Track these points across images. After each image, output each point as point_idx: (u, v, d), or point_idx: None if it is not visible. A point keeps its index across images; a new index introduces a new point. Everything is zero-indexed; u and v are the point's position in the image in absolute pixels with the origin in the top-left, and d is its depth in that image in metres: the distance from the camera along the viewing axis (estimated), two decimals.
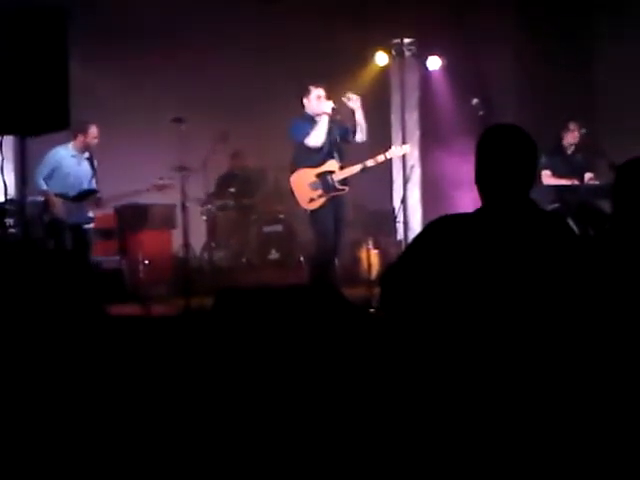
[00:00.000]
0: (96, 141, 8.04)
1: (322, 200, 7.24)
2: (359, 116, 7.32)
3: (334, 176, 7.29)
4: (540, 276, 2.59)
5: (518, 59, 11.13)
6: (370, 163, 7.43)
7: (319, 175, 7.27)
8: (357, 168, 7.40)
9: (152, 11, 9.91)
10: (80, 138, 7.98)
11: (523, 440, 2.49)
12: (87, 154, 8.10)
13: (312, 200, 7.25)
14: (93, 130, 7.99)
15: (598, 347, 2.67)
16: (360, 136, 7.33)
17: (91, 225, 8.14)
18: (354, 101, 7.32)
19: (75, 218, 7.92)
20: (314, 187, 7.26)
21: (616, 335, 2.75)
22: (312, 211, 7.31)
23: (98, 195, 8.11)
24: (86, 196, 8.02)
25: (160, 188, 8.32)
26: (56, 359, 4.59)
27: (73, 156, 8.04)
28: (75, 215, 7.93)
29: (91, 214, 8.14)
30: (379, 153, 7.55)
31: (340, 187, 7.30)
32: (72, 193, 7.96)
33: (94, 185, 8.07)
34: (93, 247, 8.22)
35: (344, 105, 7.36)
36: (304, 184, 7.27)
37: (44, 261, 5.36)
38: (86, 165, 8.08)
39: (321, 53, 10.15)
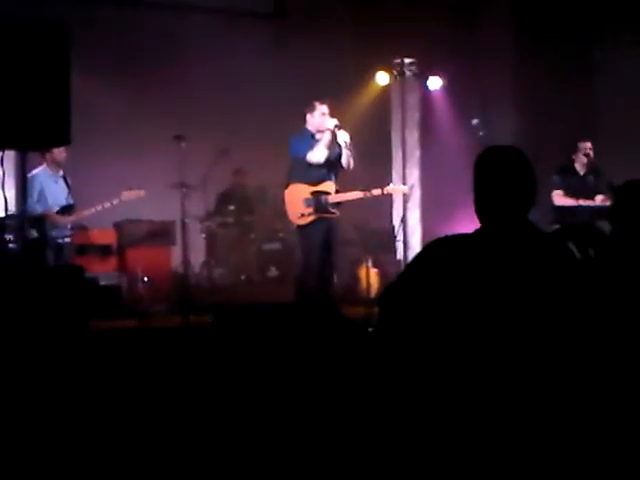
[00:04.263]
0: (64, 156, 8.17)
1: (311, 218, 7.24)
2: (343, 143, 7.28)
3: (329, 198, 7.28)
4: (538, 298, 2.59)
5: (518, 80, 11.17)
6: (367, 194, 7.38)
7: (314, 193, 7.27)
8: (352, 195, 7.38)
9: (153, 28, 9.97)
10: (48, 157, 8.16)
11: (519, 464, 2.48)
12: (61, 172, 8.31)
13: (302, 216, 7.26)
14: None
15: (599, 370, 2.66)
16: (345, 162, 7.30)
17: (68, 239, 8.27)
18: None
19: (58, 232, 8.10)
20: (307, 204, 7.25)
21: (616, 357, 2.75)
22: (300, 227, 7.32)
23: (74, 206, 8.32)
24: (67, 210, 8.23)
25: (129, 196, 8.42)
26: (39, 374, 4.59)
27: (50, 176, 8.24)
28: (57, 230, 8.10)
29: (69, 228, 8.29)
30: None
31: (332, 210, 7.29)
32: (54, 210, 8.18)
33: (71, 201, 8.28)
34: (86, 263, 8.28)
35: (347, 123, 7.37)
36: (298, 199, 7.27)
37: (42, 277, 5.35)
38: (62, 183, 8.30)
39: (323, 72, 10.17)
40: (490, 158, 2.77)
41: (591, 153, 8.46)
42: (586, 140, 8.56)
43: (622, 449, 2.61)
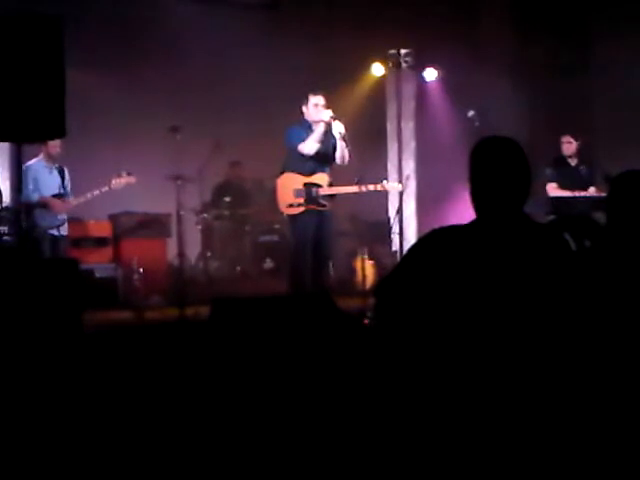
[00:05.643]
0: (58, 150, 8.17)
1: (300, 209, 7.21)
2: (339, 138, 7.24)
3: (320, 190, 7.25)
4: (534, 288, 2.59)
5: (515, 71, 11.16)
6: (361, 189, 7.32)
7: (306, 185, 7.24)
8: (345, 189, 7.33)
9: (150, 19, 9.94)
10: (43, 149, 8.16)
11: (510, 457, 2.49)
12: (57, 164, 8.30)
13: (291, 206, 7.23)
14: (51, 141, 8.05)
15: (594, 361, 2.67)
16: (339, 155, 7.26)
17: (65, 230, 8.25)
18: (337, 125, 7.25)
19: (49, 222, 8.09)
20: (297, 194, 7.21)
21: (611, 348, 2.75)
22: (290, 217, 7.30)
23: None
24: (59, 199, 8.23)
25: (119, 184, 8.38)
26: (33, 367, 4.59)
27: (45, 167, 8.24)
28: (49, 219, 8.09)
29: (63, 216, 8.26)
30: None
31: (322, 202, 7.25)
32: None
33: (62, 191, 8.27)
34: (81, 255, 8.28)
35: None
36: (288, 188, 7.25)
37: (36, 270, 5.34)
38: (56, 173, 8.28)
39: (318, 63, 10.16)
40: (486, 149, 2.77)
41: (574, 143, 8.51)
42: (570, 134, 8.60)
43: (617, 441, 2.61)
